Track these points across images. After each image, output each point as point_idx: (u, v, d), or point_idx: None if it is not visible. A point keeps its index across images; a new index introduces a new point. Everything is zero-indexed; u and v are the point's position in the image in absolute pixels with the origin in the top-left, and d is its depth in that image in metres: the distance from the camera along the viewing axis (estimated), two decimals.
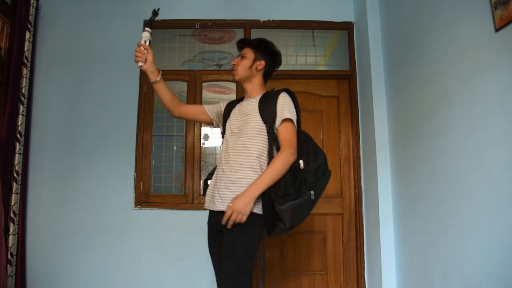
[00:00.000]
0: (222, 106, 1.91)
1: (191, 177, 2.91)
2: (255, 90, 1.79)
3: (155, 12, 1.70)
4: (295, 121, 1.65)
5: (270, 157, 1.60)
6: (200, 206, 2.85)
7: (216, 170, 1.73)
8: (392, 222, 2.54)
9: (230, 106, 1.85)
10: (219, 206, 1.61)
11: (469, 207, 1.74)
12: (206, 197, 1.75)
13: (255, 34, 3.12)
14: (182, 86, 3.06)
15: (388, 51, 2.69)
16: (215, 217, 1.65)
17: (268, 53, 1.80)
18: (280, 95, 1.68)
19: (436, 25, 2.04)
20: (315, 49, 3.22)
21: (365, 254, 2.80)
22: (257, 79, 1.80)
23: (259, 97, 1.74)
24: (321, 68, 3.25)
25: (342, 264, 2.90)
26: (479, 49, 1.69)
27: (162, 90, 1.76)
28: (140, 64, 1.65)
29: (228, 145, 1.69)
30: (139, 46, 1.65)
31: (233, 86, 3.10)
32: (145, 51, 1.65)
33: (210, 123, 1.95)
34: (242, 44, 1.84)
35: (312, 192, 1.55)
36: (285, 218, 1.49)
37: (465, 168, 1.78)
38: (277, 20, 3.11)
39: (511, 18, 1.47)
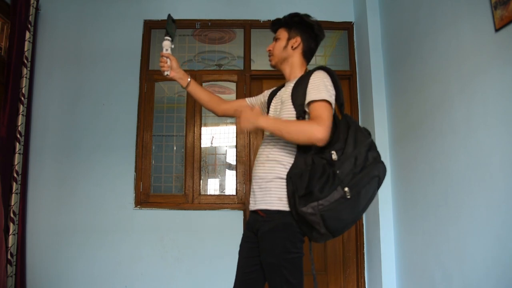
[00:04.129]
0: (266, 95, 1.71)
1: (191, 177, 2.91)
2: (294, 72, 1.57)
3: (171, 18, 1.67)
4: (331, 101, 1.38)
5: (298, 147, 1.40)
6: (200, 206, 2.85)
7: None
8: (392, 222, 2.54)
9: (273, 95, 1.64)
10: (252, 205, 1.50)
11: (469, 207, 1.74)
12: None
13: (255, 34, 3.12)
14: None
15: (388, 51, 2.69)
16: (251, 217, 1.53)
17: (304, 27, 1.57)
18: (313, 74, 1.44)
19: (436, 25, 2.04)
20: None
21: (365, 254, 2.80)
22: (296, 59, 1.57)
23: (296, 80, 1.51)
24: None
25: (342, 264, 2.90)
26: (479, 49, 1.69)
27: (197, 94, 1.70)
28: (166, 73, 1.65)
29: (263, 139, 1.58)
30: (161, 56, 1.64)
31: (233, 86, 3.10)
32: (168, 59, 1.64)
33: None
34: (274, 27, 1.64)
35: (346, 189, 1.25)
36: (315, 223, 1.27)
37: (465, 168, 1.77)
38: None
39: (511, 18, 1.47)
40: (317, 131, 1.30)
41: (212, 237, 2.77)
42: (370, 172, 1.30)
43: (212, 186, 3.04)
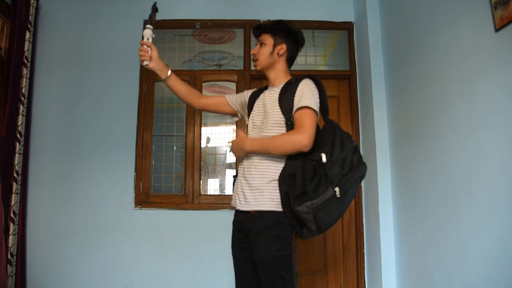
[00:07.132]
0: (246, 96, 1.75)
1: (191, 177, 2.91)
2: (279, 77, 1.64)
3: (155, 8, 1.64)
4: (316, 109, 1.47)
5: None
6: (200, 206, 2.85)
7: (240, 165, 1.62)
8: (392, 222, 2.54)
9: (255, 96, 1.69)
10: (242, 206, 1.51)
11: (469, 207, 1.74)
12: (233, 194, 1.62)
13: None
14: None
15: (388, 51, 2.69)
16: (239, 216, 1.56)
17: (288, 35, 1.63)
18: (301, 83, 1.52)
19: (436, 25, 2.04)
20: (315, 49, 3.22)
21: (365, 254, 2.80)
22: (281, 65, 1.64)
23: (282, 86, 1.58)
24: (321, 68, 3.25)
25: (342, 264, 2.90)
26: (479, 49, 1.69)
27: (176, 86, 1.71)
28: (145, 63, 1.61)
29: None
30: (142, 45, 1.61)
31: (233, 86, 3.10)
32: (149, 49, 1.62)
33: (235, 115, 1.82)
34: (258, 32, 1.67)
35: (336, 189, 1.35)
36: (308, 220, 1.35)
37: (465, 168, 1.77)
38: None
39: (511, 18, 1.47)
40: (300, 139, 1.40)
41: (212, 237, 2.77)
42: (356, 173, 1.41)
43: (212, 186, 3.04)
